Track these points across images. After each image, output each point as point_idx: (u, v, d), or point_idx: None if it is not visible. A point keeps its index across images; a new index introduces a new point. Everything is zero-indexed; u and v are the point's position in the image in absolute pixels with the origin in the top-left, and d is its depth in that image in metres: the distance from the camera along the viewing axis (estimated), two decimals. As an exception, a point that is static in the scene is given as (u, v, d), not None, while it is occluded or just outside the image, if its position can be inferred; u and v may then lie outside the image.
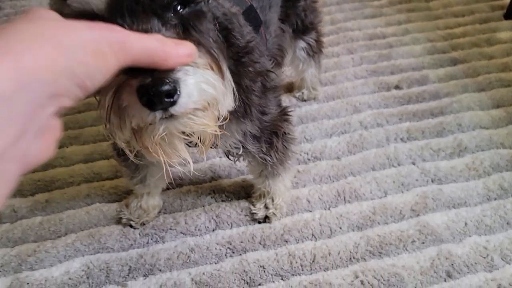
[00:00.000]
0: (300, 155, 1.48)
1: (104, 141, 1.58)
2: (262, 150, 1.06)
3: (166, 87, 0.56)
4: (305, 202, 1.33)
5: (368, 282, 1.11)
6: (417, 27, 2.12)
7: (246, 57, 0.90)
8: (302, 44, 1.46)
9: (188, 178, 1.43)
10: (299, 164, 1.46)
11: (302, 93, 1.71)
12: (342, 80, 1.82)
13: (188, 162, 0.72)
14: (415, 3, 2.34)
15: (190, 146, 0.81)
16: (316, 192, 1.36)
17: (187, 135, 0.71)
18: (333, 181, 1.40)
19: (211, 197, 1.37)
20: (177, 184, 1.40)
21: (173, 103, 0.58)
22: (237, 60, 0.88)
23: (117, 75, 0.54)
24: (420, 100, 1.69)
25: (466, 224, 1.24)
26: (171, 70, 0.56)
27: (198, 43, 0.63)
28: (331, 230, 1.25)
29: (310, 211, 1.31)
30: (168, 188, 1.36)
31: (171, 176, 1.23)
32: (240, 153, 1.04)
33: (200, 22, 0.67)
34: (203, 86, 0.61)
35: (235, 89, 0.73)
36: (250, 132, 0.99)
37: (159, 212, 1.32)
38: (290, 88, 1.78)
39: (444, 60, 1.89)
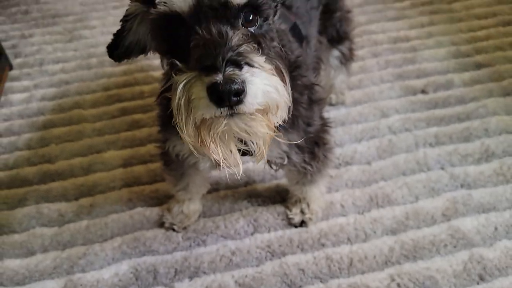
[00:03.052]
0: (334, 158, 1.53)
1: (141, 145, 1.64)
2: (304, 160, 1.12)
3: (235, 87, 0.63)
4: (339, 207, 1.39)
5: (404, 285, 1.17)
6: (440, 30, 2.15)
7: (296, 71, 0.95)
8: (336, 53, 1.51)
9: (224, 183, 1.49)
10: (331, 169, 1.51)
11: (331, 97, 1.75)
12: (369, 84, 1.86)
13: (239, 164, 0.78)
14: (437, 5, 2.36)
15: (246, 155, 0.86)
16: (349, 197, 1.41)
17: (245, 143, 0.77)
18: (365, 186, 1.45)
19: (248, 202, 1.43)
20: (214, 189, 1.46)
21: (240, 101, 0.65)
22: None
23: (189, 69, 0.64)
24: (446, 105, 1.73)
25: (496, 228, 1.29)
26: (239, 68, 0.64)
27: (264, 52, 0.71)
28: (365, 235, 1.31)
29: (344, 215, 1.37)
30: (207, 193, 1.42)
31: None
32: (284, 163, 1.09)
33: (266, 36, 0.75)
34: (267, 89, 0.68)
35: (290, 100, 0.78)
36: (295, 142, 1.04)
37: (199, 216, 1.39)
38: (317, 93, 1.83)
39: (469, 64, 1.93)
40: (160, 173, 1.47)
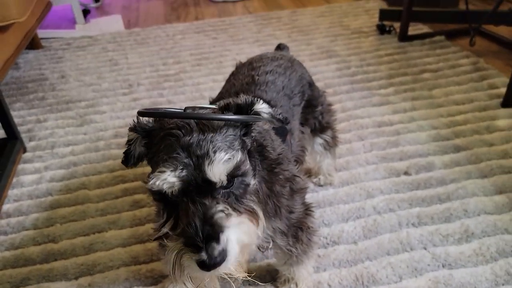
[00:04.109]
0: (320, 239, 1.62)
1: (140, 225, 1.74)
2: (289, 243, 1.21)
3: (219, 260, 0.82)
4: (327, 286, 1.45)
5: None
6: (422, 115, 2.33)
7: (278, 168, 1.08)
8: (319, 140, 1.67)
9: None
10: (319, 248, 1.58)
11: (319, 179, 1.88)
12: (355, 166, 2.00)
13: None
14: (419, 91, 2.57)
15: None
16: (336, 277, 1.47)
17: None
18: (351, 266, 1.52)
19: (235, 281, 1.49)
20: (208, 268, 1.53)
21: (222, 264, 0.83)
22: (270, 171, 1.06)
23: (177, 235, 0.84)
24: (428, 186, 1.84)
25: (477, 309, 1.33)
26: (217, 242, 0.81)
27: (241, 202, 0.90)
28: (351, 315, 1.35)
29: (331, 295, 1.42)
30: (200, 273, 1.49)
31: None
32: (270, 246, 1.19)
33: (244, 191, 0.92)
34: (245, 244, 0.87)
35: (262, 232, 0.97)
36: (279, 228, 1.15)
37: (192, 295, 1.44)
38: (307, 173, 1.96)
39: (448, 147, 2.07)
40: (156, 253, 1.56)
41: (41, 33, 3.68)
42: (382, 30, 3.39)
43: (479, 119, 2.26)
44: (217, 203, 0.85)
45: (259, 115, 0.94)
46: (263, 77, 1.33)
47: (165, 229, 0.89)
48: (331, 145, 1.71)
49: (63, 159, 2.20)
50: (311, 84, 1.55)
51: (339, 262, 1.53)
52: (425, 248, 1.56)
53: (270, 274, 1.50)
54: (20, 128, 2.40)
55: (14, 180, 2.05)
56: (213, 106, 1.02)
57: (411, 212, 1.71)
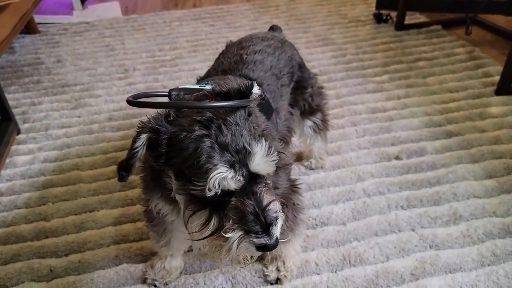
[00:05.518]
0: (309, 220, 1.63)
1: (132, 205, 1.75)
2: None
3: (277, 242, 0.91)
4: (314, 265, 1.46)
5: None
6: (415, 102, 2.34)
7: None
8: (309, 123, 1.67)
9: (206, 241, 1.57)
10: (308, 229, 1.60)
11: (310, 162, 1.88)
12: (347, 150, 2.00)
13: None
14: (413, 79, 2.57)
15: None
16: (323, 256, 1.49)
17: None
18: (339, 246, 1.53)
19: (228, 259, 1.50)
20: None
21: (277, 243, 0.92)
22: None
23: (234, 226, 0.89)
24: (418, 170, 1.85)
25: (462, 288, 1.35)
26: (276, 227, 0.91)
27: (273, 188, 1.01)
28: (337, 293, 1.37)
29: (318, 274, 1.44)
30: (189, 250, 1.50)
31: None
32: None
33: (278, 175, 1.07)
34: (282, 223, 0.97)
35: None
36: None
37: (181, 273, 1.46)
38: (299, 157, 1.97)
39: (440, 133, 2.08)
40: (147, 231, 1.57)
41: (38, 18, 3.67)
42: (379, 19, 3.38)
43: (472, 106, 2.26)
44: (264, 191, 0.92)
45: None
46: (252, 56, 1.33)
47: (212, 227, 0.92)
48: (321, 128, 1.71)
49: (56, 140, 2.21)
50: (301, 66, 1.55)
51: (327, 242, 1.55)
52: (413, 230, 1.57)
53: (258, 253, 1.51)
54: (15, 111, 2.40)
55: (7, 160, 2.06)
56: (196, 86, 1.03)
57: (400, 195, 1.72)
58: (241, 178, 0.86)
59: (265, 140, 0.91)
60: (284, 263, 1.42)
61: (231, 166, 0.85)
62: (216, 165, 0.84)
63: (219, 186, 0.84)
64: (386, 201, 1.69)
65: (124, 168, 0.91)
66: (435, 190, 1.73)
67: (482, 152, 1.92)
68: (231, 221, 0.89)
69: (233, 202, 0.90)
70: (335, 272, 1.44)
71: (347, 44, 3.09)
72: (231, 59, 1.35)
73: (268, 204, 0.91)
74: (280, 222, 0.93)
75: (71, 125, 2.34)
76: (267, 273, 1.42)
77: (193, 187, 0.86)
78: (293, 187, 1.25)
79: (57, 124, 2.34)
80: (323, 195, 1.75)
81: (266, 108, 1.20)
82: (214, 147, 0.85)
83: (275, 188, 1.16)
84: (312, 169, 1.89)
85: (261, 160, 0.88)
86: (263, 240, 0.89)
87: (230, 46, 1.49)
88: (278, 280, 1.40)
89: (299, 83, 1.53)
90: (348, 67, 2.76)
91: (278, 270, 1.42)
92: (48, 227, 1.66)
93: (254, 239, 0.89)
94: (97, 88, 2.71)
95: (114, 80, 2.79)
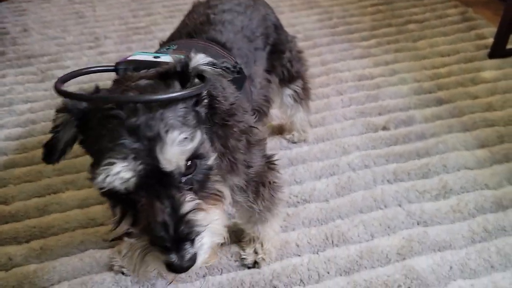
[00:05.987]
0: (290, 198, 1.52)
1: (99, 185, 1.62)
2: (249, 200, 1.10)
3: (189, 264, 0.72)
4: (294, 246, 1.36)
5: (355, 329, 1.13)
6: (404, 67, 2.20)
7: (231, 120, 0.95)
8: (288, 91, 1.53)
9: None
10: (288, 207, 1.49)
11: (293, 135, 1.76)
12: (332, 121, 1.88)
13: None
14: (403, 43, 2.42)
15: None
16: (305, 236, 1.39)
17: None
18: (322, 224, 1.43)
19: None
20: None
21: (191, 267, 0.73)
22: (222, 125, 0.94)
23: (140, 233, 0.72)
24: (406, 141, 1.74)
25: (451, 267, 1.26)
26: (191, 244, 0.71)
27: (208, 192, 0.79)
28: (319, 275, 1.27)
29: (299, 255, 1.34)
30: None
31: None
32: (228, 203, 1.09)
33: (207, 174, 0.80)
34: (213, 243, 0.77)
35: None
36: (237, 185, 1.04)
37: (151, 258, 1.35)
38: (280, 130, 1.84)
39: (430, 100, 1.95)
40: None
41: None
42: (367, -21, 3.18)
43: (464, 71, 2.13)
44: (184, 195, 0.73)
45: (202, 73, 0.80)
46: (220, 16, 1.17)
47: (123, 227, 0.76)
48: (302, 97, 1.57)
49: (20, 116, 2.05)
50: (277, 27, 1.39)
51: (309, 221, 1.44)
52: (399, 205, 1.47)
53: (235, 234, 1.41)
54: (-25, 85, 2.22)
55: (-34, 139, 1.91)
56: (151, 57, 0.89)
57: (387, 168, 1.61)
58: (141, 173, 0.68)
59: (197, 131, 0.74)
60: (262, 245, 1.32)
61: (132, 153, 0.68)
62: (110, 150, 0.69)
63: (112, 180, 0.68)
64: (371, 175, 1.59)
65: (48, 150, 0.80)
66: (423, 162, 1.63)
67: (474, 120, 1.81)
68: (141, 225, 0.73)
69: (142, 203, 0.72)
70: (317, 253, 1.34)
71: (334, 6, 2.90)
72: (197, 20, 1.19)
73: (186, 214, 0.72)
74: (205, 241, 0.73)
75: (36, 99, 2.17)
76: (244, 256, 1.32)
77: (91, 178, 0.72)
78: (269, 163, 1.13)
79: (21, 99, 2.17)
80: (306, 170, 1.63)
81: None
82: (120, 129, 0.69)
83: (249, 167, 1.03)
84: (295, 142, 1.77)
85: (176, 152, 0.70)
86: (170, 257, 0.70)
87: (196, 5, 1.32)
88: (255, 264, 1.31)
89: (276, 46, 1.38)
90: (334, 31, 2.59)
91: (255, 252, 1.31)
92: (7, 211, 1.53)
93: (160, 254, 0.71)
94: (65, 58, 2.52)
95: (84, 50, 2.60)
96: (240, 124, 0.98)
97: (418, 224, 1.40)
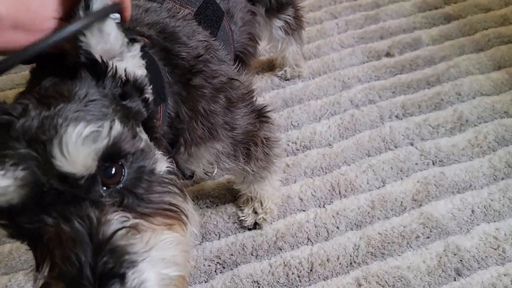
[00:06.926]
0: (288, 145, 1.35)
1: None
2: (239, 164, 0.93)
3: None
4: (297, 200, 1.22)
5: (372, 290, 1.03)
6: (405, -20, 1.92)
7: (199, 77, 0.74)
8: (278, 23, 1.28)
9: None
10: (287, 156, 1.33)
11: (285, 71, 1.55)
12: (328, 51, 1.65)
13: None
14: (401, -50, 2.11)
15: None
16: (308, 188, 1.24)
17: None
18: (326, 173, 1.28)
19: (194, 204, 1.24)
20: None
21: None
22: (186, 84, 0.73)
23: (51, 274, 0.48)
24: (414, 68, 1.54)
25: (473, 211, 1.14)
26: (122, 282, 0.47)
27: (151, 211, 0.55)
28: (327, 232, 1.15)
29: (304, 210, 1.20)
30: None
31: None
32: (215, 171, 0.92)
33: (150, 181, 0.56)
34: (163, 277, 0.51)
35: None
36: (221, 151, 0.86)
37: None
38: (270, 66, 1.62)
39: (437, 17, 1.72)
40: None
41: None
42: None
43: (473, -20, 1.87)
44: (107, 212, 0.50)
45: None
46: None
47: (41, 276, 0.51)
48: (294, 28, 1.33)
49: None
50: None
51: (311, 170, 1.29)
52: (411, 144, 1.31)
53: (230, 193, 1.26)
54: None
55: None
56: None
57: (394, 102, 1.43)
58: (26, 181, 0.47)
59: (115, 123, 0.52)
60: (261, 204, 1.17)
61: (13, 160, 0.47)
62: None
63: None
64: (378, 111, 1.41)
65: None
66: (435, 91, 1.44)
67: (488, 37, 1.59)
68: (49, 262, 0.50)
69: (46, 231, 0.49)
70: (323, 206, 1.20)
71: None
72: None
73: (108, 239, 0.49)
74: (147, 276, 0.49)
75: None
76: (242, 218, 1.18)
77: None
78: (260, 117, 0.93)
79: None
80: (303, 111, 1.45)
81: (212, 13, 0.82)
82: (5, 137, 0.49)
83: (233, 129, 0.84)
84: (288, 79, 1.56)
85: (80, 149, 0.47)
86: None
87: None
88: (256, 225, 1.17)
89: None
90: None
91: (255, 212, 1.17)
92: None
93: None
94: None
95: None
96: (214, 81, 0.77)
97: (433, 164, 1.25)
